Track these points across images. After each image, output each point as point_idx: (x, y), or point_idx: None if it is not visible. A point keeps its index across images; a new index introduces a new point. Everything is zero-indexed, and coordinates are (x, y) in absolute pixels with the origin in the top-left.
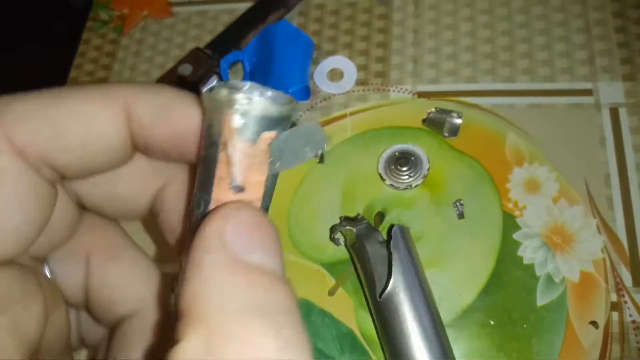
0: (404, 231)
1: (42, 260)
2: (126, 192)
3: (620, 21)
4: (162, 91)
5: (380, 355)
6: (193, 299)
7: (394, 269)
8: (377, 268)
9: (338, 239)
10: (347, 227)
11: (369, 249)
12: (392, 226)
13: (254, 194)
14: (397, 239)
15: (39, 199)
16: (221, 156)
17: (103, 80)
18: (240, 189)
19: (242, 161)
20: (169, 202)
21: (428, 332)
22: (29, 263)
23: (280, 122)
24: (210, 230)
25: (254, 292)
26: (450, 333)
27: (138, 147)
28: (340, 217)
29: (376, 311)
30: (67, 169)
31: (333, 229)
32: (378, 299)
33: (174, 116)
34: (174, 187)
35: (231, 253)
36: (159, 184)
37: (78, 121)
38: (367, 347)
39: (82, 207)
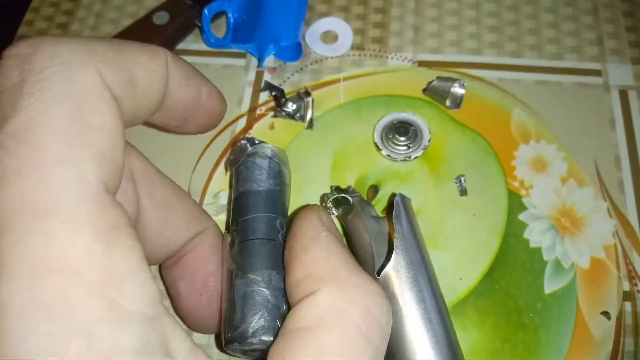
0: (406, 202)
1: None
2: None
3: (628, 5)
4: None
5: None
6: (316, 264)
7: (395, 243)
8: (374, 243)
9: (330, 208)
10: (340, 196)
11: (364, 222)
12: (393, 195)
13: None
14: (400, 210)
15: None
16: None
17: (63, 27)
18: None
19: None
20: None
21: (431, 315)
22: None
23: None
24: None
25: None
26: None
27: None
28: (331, 187)
29: None
30: (127, 113)
31: (324, 198)
32: (376, 277)
33: (194, 84)
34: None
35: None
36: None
37: (143, 70)
38: None
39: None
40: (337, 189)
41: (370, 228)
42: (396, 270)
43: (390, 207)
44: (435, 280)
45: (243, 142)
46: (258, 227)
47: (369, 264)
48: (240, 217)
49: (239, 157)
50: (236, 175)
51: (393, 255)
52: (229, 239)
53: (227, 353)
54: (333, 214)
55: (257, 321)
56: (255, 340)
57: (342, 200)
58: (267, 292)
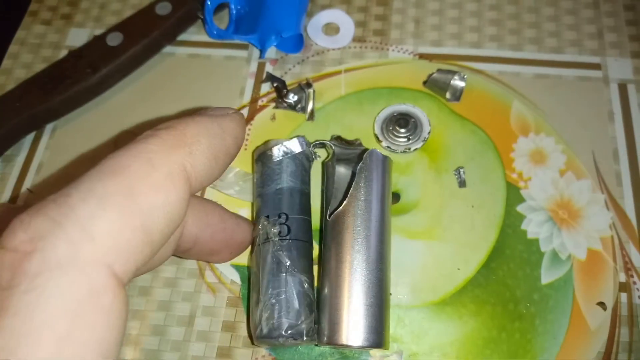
0: (379, 158)
1: None
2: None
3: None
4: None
5: None
6: None
7: (351, 191)
8: (340, 189)
9: (315, 152)
10: (327, 142)
11: (342, 169)
12: (366, 150)
13: None
14: (367, 162)
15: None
16: None
17: (66, 17)
18: None
19: None
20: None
21: (362, 269)
22: None
23: None
24: None
25: None
26: (448, 310)
27: None
28: (333, 135)
29: (324, 235)
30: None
31: (315, 142)
32: (327, 219)
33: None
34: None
35: None
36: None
37: (160, 217)
38: None
39: None
40: (339, 138)
41: (339, 175)
42: (343, 215)
43: (359, 159)
44: (384, 240)
45: (303, 139)
46: (308, 230)
47: (326, 209)
48: (293, 213)
49: (294, 149)
50: (285, 167)
51: (344, 203)
52: (277, 229)
53: (251, 340)
54: (315, 159)
55: (309, 322)
56: (303, 339)
57: (327, 146)
58: (312, 296)
